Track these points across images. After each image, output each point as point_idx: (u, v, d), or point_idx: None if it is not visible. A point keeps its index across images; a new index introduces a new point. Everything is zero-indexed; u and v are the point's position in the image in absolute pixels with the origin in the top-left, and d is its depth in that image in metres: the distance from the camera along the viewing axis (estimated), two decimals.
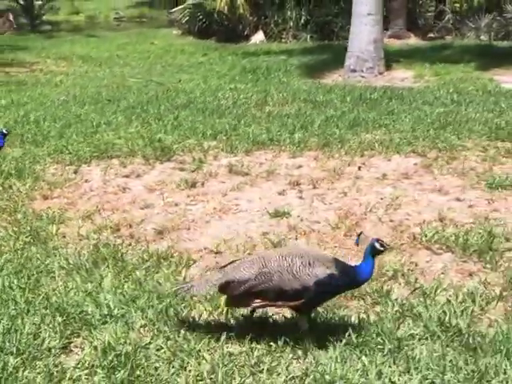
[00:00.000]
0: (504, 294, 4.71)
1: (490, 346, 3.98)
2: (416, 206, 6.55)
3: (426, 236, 5.66)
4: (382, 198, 6.70)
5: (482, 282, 4.89)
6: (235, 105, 11.50)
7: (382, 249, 3.99)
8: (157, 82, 14.23)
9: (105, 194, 7.06)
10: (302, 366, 3.86)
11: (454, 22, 23.23)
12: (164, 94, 12.77)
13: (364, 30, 14.45)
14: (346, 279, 3.98)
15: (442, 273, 5.10)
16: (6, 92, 13.44)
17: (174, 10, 24.52)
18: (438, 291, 4.72)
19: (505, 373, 3.74)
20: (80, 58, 18.66)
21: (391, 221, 6.14)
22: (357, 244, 4.23)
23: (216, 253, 5.53)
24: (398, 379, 3.70)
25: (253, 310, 4.23)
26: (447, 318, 4.32)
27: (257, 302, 4.03)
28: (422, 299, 4.60)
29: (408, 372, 3.76)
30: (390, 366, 3.79)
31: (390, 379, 3.70)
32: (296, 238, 5.76)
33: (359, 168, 7.73)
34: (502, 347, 3.96)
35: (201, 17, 22.92)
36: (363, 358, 3.84)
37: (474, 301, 4.58)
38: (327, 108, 11.08)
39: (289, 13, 22.29)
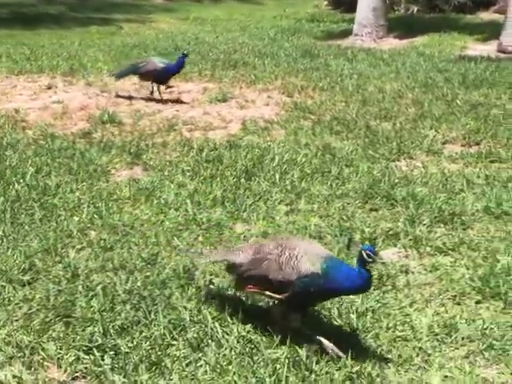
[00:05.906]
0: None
1: None
2: (121, 106, 9.95)
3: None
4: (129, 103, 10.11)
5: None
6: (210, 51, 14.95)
7: (370, 260, 3.68)
8: (197, 36, 17.99)
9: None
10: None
11: None
12: (185, 43, 16.44)
13: (365, 0, 16.72)
14: (334, 282, 3.73)
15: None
16: (95, 38, 18.09)
17: None
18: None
19: None
20: (193, 19, 22.89)
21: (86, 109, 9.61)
22: (347, 248, 4.19)
23: None
24: None
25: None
26: None
27: (249, 288, 4.05)
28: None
29: None
30: None
31: None
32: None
33: (166, 87, 10.99)
34: None
35: None
36: None
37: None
38: (264, 56, 14.04)
39: None
